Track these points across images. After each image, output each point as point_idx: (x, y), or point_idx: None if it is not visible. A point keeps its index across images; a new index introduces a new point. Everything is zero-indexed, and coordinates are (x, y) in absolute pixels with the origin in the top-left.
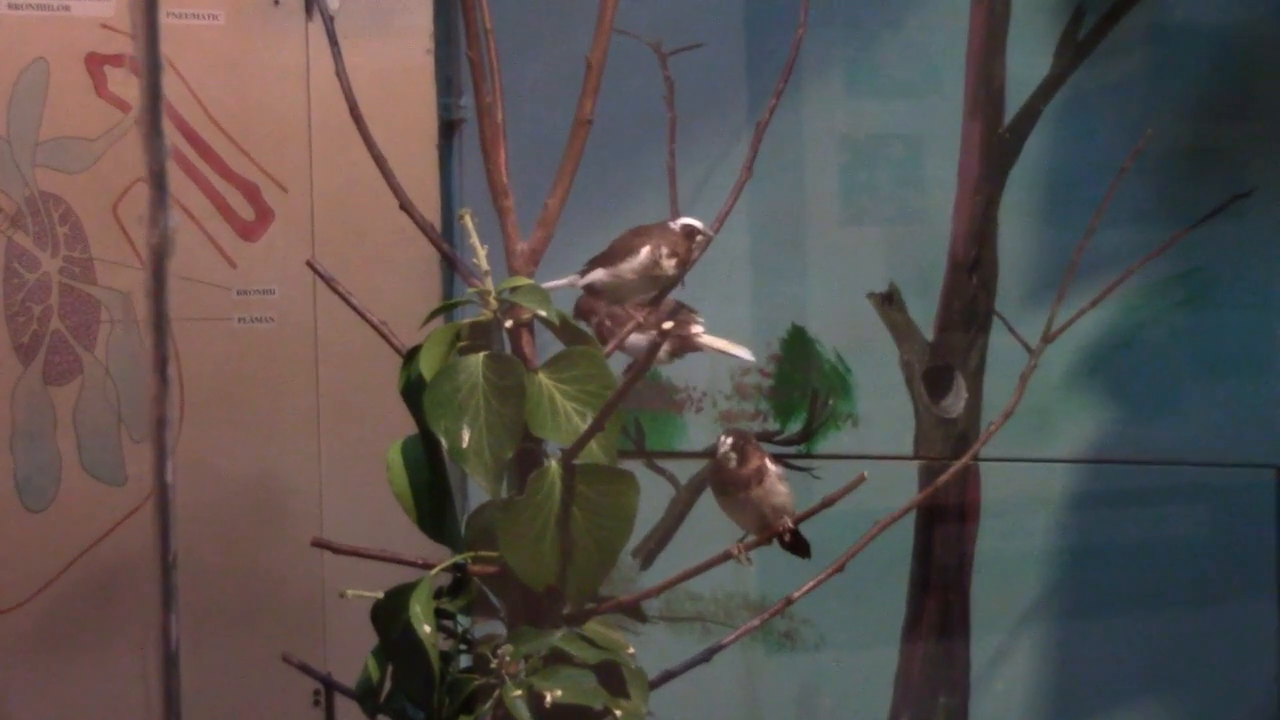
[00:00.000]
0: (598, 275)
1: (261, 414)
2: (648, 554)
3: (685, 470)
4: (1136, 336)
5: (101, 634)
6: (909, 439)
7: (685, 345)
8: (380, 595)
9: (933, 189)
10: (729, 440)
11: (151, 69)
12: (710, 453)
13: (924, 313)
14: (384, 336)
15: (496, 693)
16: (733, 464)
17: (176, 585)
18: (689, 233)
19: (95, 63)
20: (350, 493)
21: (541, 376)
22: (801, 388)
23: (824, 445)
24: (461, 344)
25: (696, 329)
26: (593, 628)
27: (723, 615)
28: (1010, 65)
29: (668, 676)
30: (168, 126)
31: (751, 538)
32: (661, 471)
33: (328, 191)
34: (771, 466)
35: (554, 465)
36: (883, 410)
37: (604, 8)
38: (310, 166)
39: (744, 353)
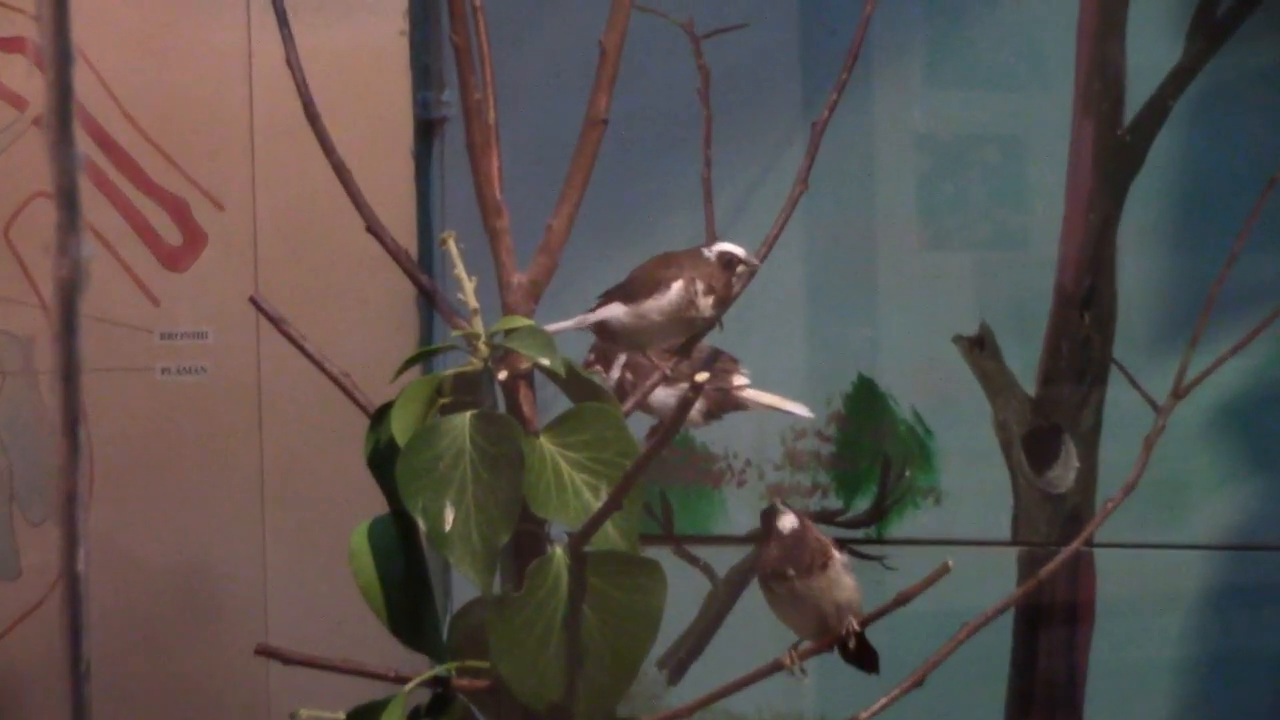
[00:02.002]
0: (615, 314)
1: (192, 488)
2: (677, 664)
3: (724, 559)
4: None
5: None
6: (1005, 519)
7: (725, 402)
8: (341, 717)
9: (1035, 205)
10: (785, 519)
11: (60, 58)
12: (756, 536)
13: (1024, 361)
14: (346, 391)
15: None
16: (787, 548)
17: (89, 701)
18: (728, 261)
19: None
20: (303, 587)
21: (544, 442)
22: (870, 455)
23: (898, 527)
24: (443, 401)
25: (738, 382)
26: None
27: None
28: (1131, 51)
29: None
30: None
31: (808, 643)
32: (694, 560)
33: (275, 209)
34: (836, 553)
35: (559, 553)
36: (972, 483)
37: None
38: (253, 178)
39: (800, 409)
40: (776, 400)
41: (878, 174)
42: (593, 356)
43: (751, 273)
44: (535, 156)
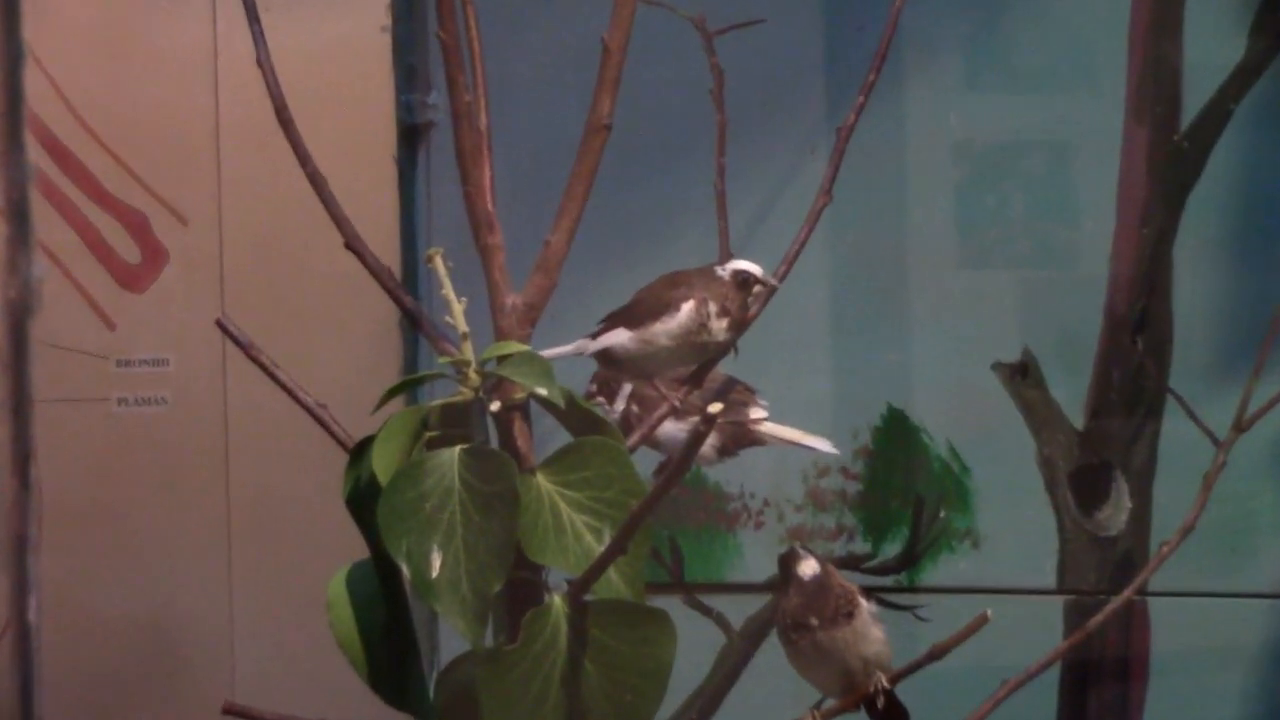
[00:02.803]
0: (619, 340)
1: (152, 531)
2: None
3: (739, 609)
4: None
5: None
6: (1050, 565)
7: (740, 437)
8: None
9: (1083, 218)
10: (806, 564)
11: (9, 58)
12: (775, 583)
13: (1071, 390)
14: (322, 424)
15: None
16: (809, 597)
17: None
18: (744, 281)
19: None
20: (275, 639)
21: (541, 480)
22: (901, 494)
23: (932, 574)
24: (430, 434)
25: (755, 414)
26: None
27: None
28: (1189, 49)
29: None
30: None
31: (832, 702)
32: (707, 611)
33: (243, 224)
34: (863, 602)
35: (558, 602)
36: (1014, 525)
37: None
38: (219, 189)
39: (823, 445)
40: (797, 435)
41: (910, 184)
42: (595, 386)
43: (769, 293)
44: (531, 165)
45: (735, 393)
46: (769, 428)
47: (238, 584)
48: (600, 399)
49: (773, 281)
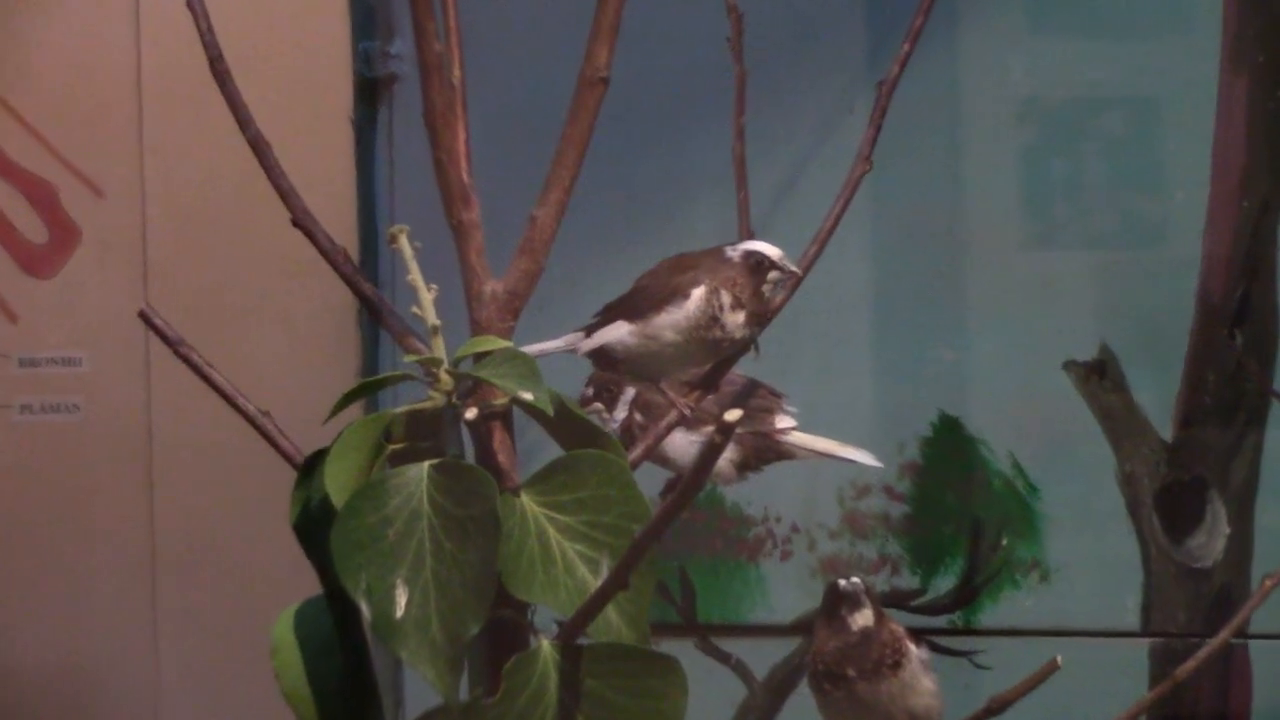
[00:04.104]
0: (618, 335)
1: (64, 561)
2: None
3: (763, 654)
4: None
5: None
6: (1133, 602)
7: (764, 449)
8: None
9: (1172, 188)
10: (860, 613)
11: None
12: (806, 624)
13: (1158, 394)
14: (265, 435)
15: None
16: (849, 641)
17: None
18: (756, 265)
19: None
20: (208, 691)
21: (526, 501)
22: (955, 518)
23: (992, 614)
24: (393, 447)
25: (782, 423)
26: None
27: None
28: None
29: None
30: None
31: None
32: (724, 657)
33: (170, 197)
34: (912, 648)
35: (546, 647)
36: (1090, 555)
37: None
38: (141, 157)
39: (863, 457)
40: (832, 446)
41: (965, 149)
42: (591, 390)
43: (794, 282)
44: (514, 127)
45: (757, 398)
46: (798, 438)
47: (164, 627)
48: (598, 405)
49: (791, 267)
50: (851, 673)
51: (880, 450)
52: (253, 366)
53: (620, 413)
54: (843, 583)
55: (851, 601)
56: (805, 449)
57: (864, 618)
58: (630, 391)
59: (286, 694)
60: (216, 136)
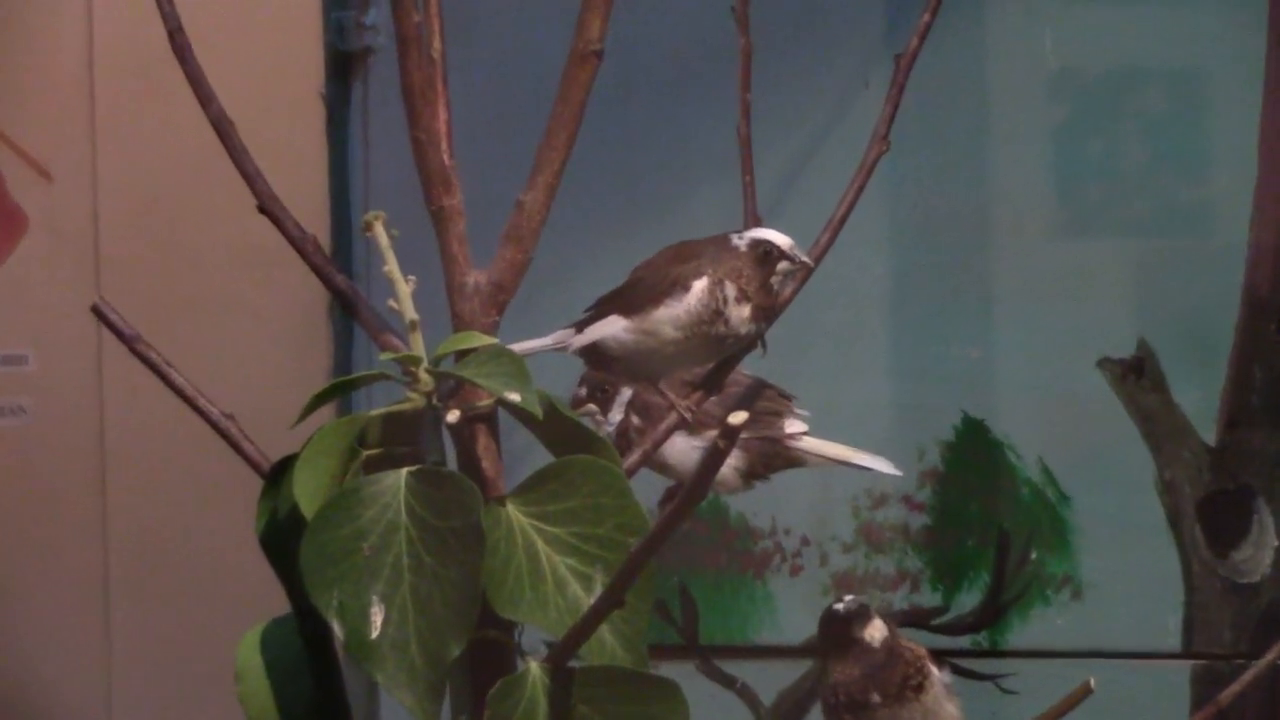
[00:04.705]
0: (612, 331)
1: (7, 581)
2: None
3: (770, 678)
4: None
5: None
6: (1173, 621)
7: (772, 456)
8: None
9: (1217, 171)
10: (872, 625)
11: None
12: (818, 646)
13: (1201, 395)
14: (228, 439)
15: None
16: (868, 664)
17: None
18: (764, 255)
19: None
20: (165, 716)
21: (513, 511)
22: (980, 530)
23: (1021, 633)
24: (369, 453)
25: (792, 427)
26: None
27: None
28: None
29: None
30: None
31: None
32: (729, 681)
33: (124, 181)
34: (934, 670)
35: (535, 670)
36: (1126, 569)
37: None
38: (93, 138)
39: (881, 464)
40: (846, 452)
41: (991, 128)
42: (584, 391)
43: (805, 273)
44: (500, 105)
45: (765, 400)
46: (809, 444)
47: (118, 650)
48: (591, 407)
49: (802, 257)
50: (876, 698)
51: (899, 456)
52: (215, 365)
53: (615, 415)
54: (839, 606)
55: (860, 617)
56: (817, 455)
57: (879, 629)
58: (626, 392)
59: None
60: (176, 115)
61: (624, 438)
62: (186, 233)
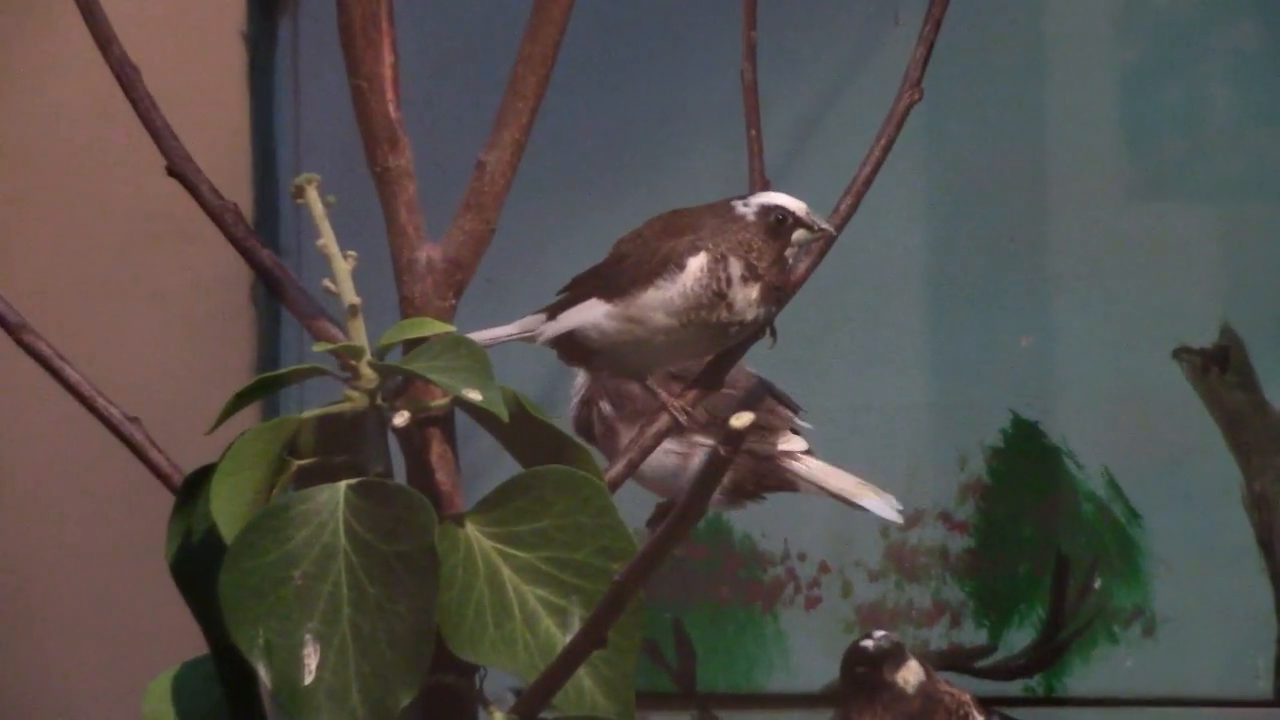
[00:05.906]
0: (592, 318)
1: None
2: None
3: None
4: None
5: None
6: (1264, 662)
7: (765, 475)
8: None
9: None
10: (907, 667)
11: None
12: (840, 692)
13: None
14: (132, 447)
15: None
16: (911, 705)
17: None
18: (777, 223)
19: None
20: None
21: (473, 532)
22: (1034, 554)
23: (1083, 677)
24: (300, 463)
25: (787, 444)
26: None
27: None
28: None
29: None
30: None
31: None
32: None
33: (10, 140)
34: (979, 718)
35: None
36: (1208, 601)
37: None
38: None
39: (882, 507)
40: (846, 484)
41: (1046, 73)
42: (582, 392)
43: (825, 243)
44: (456, 46)
45: (761, 409)
46: (804, 468)
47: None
48: (604, 403)
49: (824, 225)
50: None
51: (937, 464)
52: (118, 358)
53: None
54: (868, 642)
55: (893, 657)
56: (809, 483)
57: (914, 672)
58: (579, 379)
59: None
60: (69, 61)
61: (606, 440)
62: (83, 201)
